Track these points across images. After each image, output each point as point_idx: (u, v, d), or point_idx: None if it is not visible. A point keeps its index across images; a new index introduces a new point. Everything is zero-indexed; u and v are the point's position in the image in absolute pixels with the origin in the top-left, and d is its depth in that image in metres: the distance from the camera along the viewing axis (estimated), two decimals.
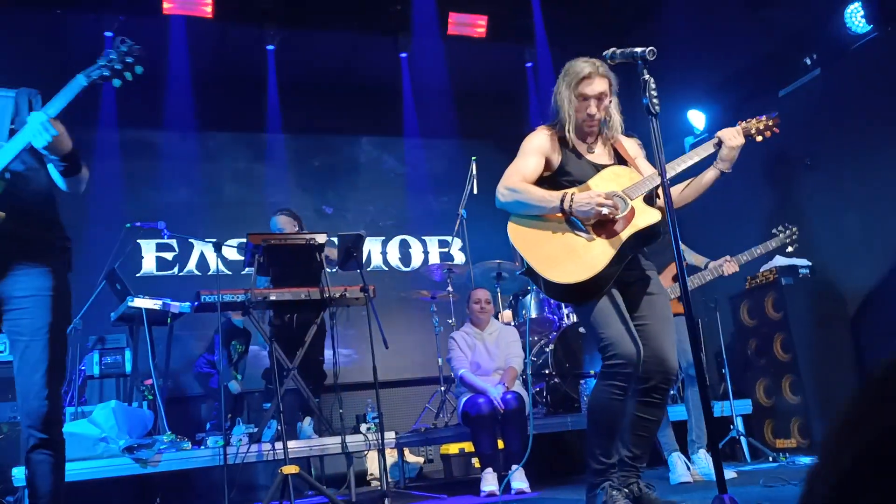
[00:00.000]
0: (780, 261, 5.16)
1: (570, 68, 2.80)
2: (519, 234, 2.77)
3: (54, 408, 2.41)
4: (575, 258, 2.65)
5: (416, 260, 7.70)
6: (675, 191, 2.86)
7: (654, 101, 2.39)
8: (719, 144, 2.77)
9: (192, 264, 7.04)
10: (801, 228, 4.37)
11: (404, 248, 7.76)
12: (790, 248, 4.35)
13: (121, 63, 2.38)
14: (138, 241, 6.39)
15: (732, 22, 5.93)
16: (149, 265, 6.90)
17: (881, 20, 4.86)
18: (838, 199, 5.19)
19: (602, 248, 2.65)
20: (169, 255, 7.01)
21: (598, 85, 2.75)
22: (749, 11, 5.77)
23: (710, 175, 2.83)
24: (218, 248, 5.10)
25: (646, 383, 2.68)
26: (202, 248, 7.01)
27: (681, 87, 6.03)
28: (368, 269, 7.39)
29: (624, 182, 2.74)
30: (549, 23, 6.79)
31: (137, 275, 6.65)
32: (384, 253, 7.66)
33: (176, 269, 6.98)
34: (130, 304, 4.88)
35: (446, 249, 7.67)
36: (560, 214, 2.70)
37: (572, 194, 2.67)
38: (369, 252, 7.56)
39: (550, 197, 2.70)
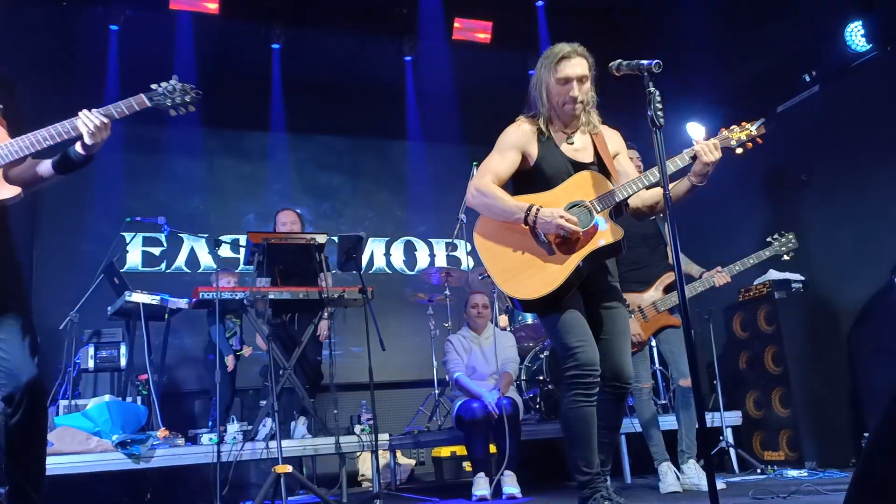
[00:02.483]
0: (773, 274, 5.21)
1: (548, 52, 2.80)
2: (484, 241, 2.84)
3: None
4: (532, 273, 2.71)
5: (423, 262, 7.72)
6: (651, 197, 2.84)
7: (659, 113, 2.38)
8: (694, 158, 2.68)
9: (181, 260, 6.96)
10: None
11: (409, 250, 7.78)
12: (786, 257, 4.32)
13: (181, 98, 2.60)
14: (123, 233, 6.28)
15: (735, 36, 5.98)
16: (134, 260, 6.74)
17: (881, 39, 4.92)
18: (833, 215, 5.24)
19: (560, 263, 2.69)
20: (156, 251, 6.87)
21: (579, 65, 2.74)
22: (752, 27, 5.83)
23: (683, 186, 2.75)
24: (217, 244, 5.12)
25: (603, 393, 2.77)
26: (193, 244, 6.97)
27: (681, 98, 6.08)
28: (371, 272, 7.42)
29: (593, 190, 2.74)
30: (554, 31, 6.83)
31: (121, 270, 6.57)
32: (388, 255, 7.68)
33: (163, 266, 6.87)
34: (128, 298, 4.89)
35: (454, 252, 7.67)
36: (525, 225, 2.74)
37: (537, 209, 2.69)
38: (372, 253, 7.58)
39: (516, 208, 2.73)
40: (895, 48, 4.85)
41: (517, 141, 2.83)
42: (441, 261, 7.70)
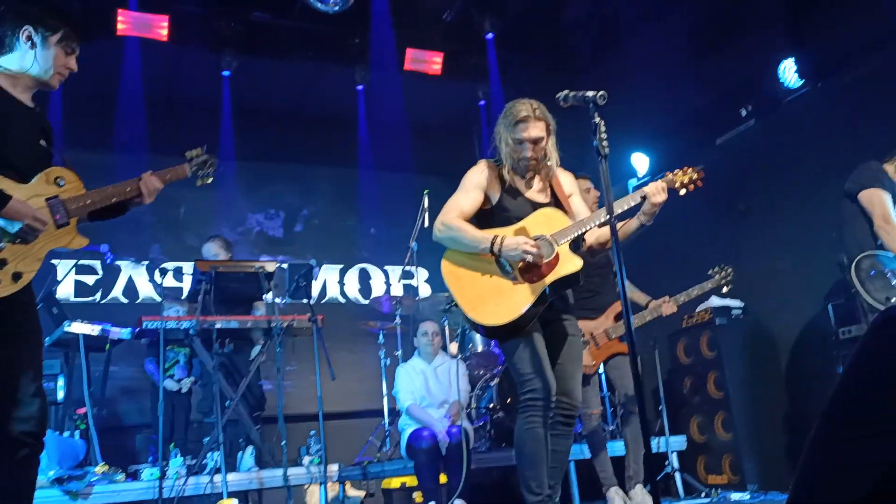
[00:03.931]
0: (714, 301, 5.35)
1: (508, 110, 2.96)
2: (451, 271, 2.93)
3: None
4: (499, 300, 2.82)
5: (378, 290, 7.67)
6: (604, 234, 3.01)
7: (604, 143, 2.50)
8: (644, 198, 2.88)
9: (118, 290, 6.72)
10: (735, 271, 4.55)
11: (364, 278, 7.72)
12: (725, 289, 4.53)
13: (209, 170, 3.14)
14: (52, 262, 6.02)
15: (678, 71, 6.20)
16: (66, 290, 6.42)
17: (812, 76, 5.17)
18: (771, 244, 5.42)
19: (525, 291, 2.82)
20: (90, 279, 6.60)
21: (534, 129, 2.89)
22: (693, 62, 6.06)
23: (633, 224, 2.95)
24: (162, 272, 5.00)
25: (552, 417, 2.87)
26: (131, 272, 6.76)
27: (627, 130, 6.24)
28: (324, 300, 7.34)
29: (554, 226, 2.91)
30: (503, 62, 6.97)
31: None
32: (342, 283, 7.61)
33: (98, 296, 6.60)
34: (66, 328, 4.73)
35: (410, 281, 7.63)
36: (490, 255, 2.84)
37: (502, 238, 2.81)
38: (325, 281, 7.50)
39: (482, 238, 2.85)
40: (825, 84, 5.11)
41: (480, 182, 2.98)
42: (396, 288, 7.67)
